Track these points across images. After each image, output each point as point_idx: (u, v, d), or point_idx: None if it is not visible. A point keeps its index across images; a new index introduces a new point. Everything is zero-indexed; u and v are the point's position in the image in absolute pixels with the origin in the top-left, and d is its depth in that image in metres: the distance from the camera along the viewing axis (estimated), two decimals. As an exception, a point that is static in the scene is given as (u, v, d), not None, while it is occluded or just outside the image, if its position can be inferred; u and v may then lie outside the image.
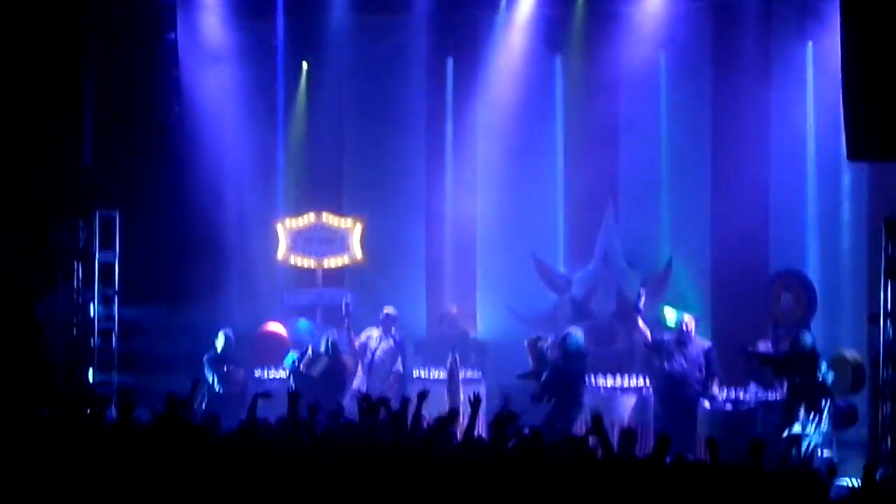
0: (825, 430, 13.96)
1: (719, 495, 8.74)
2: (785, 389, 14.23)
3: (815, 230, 16.55)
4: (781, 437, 13.88)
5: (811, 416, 13.87)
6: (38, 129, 15.96)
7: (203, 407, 14.41)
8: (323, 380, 15.56)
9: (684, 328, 15.05)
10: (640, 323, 15.21)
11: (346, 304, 16.31)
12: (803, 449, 13.77)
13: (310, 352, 15.87)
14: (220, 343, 16.11)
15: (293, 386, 14.97)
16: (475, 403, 10.90)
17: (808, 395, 13.92)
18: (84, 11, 16.00)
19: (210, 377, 15.86)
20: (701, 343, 15.08)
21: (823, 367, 14.05)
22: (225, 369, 15.99)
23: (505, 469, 9.35)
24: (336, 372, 15.80)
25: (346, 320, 16.15)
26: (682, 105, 17.26)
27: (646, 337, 15.24)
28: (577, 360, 14.94)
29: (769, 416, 14.72)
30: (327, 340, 15.91)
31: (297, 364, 15.87)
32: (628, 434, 11.60)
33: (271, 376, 16.40)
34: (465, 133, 18.03)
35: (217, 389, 15.84)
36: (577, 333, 15.14)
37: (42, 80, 15.98)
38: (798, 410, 13.88)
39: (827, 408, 13.95)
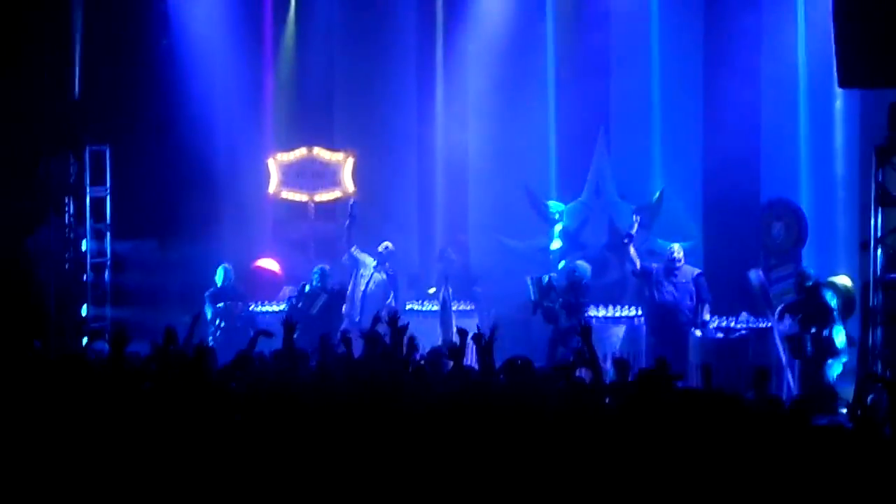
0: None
1: (710, 421, 8.76)
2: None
3: (806, 158, 16.52)
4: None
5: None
6: (27, 65, 15.90)
7: (206, 340, 14.31)
8: (321, 316, 15.56)
9: (673, 256, 15.07)
10: (631, 250, 15.20)
11: (352, 206, 16.28)
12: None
13: (307, 289, 15.84)
14: (219, 278, 16.10)
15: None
16: (461, 335, 11.08)
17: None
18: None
19: (210, 312, 15.83)
20: (690, 271, 15.10)
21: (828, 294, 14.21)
22: (223, 304, 15.95)
23: (494, 397, 9.41)
24: (334, 307, 15.78)
25: (349, 221, 16.08)
26: (672, 35, 17.18)
27: (635, 265, 15.25)
28: (584, 290, 15.02)
29: (760, 344, 14.81)
30: (320, 273, 15.88)
31: (293, 301, 15.85)
32: (621, 363, 11.67)
33: (270, 310, 16.43)
34: (455, 65, 17.97)
35: (218, 324, 15.81)
36: (586, 266, 15.26)
37: (31, 14, 15.89)
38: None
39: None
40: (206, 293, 16.01)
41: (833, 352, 14.06)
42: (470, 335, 10.75)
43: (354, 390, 9.43)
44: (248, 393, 9.66)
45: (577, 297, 15.03)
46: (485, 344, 10.48)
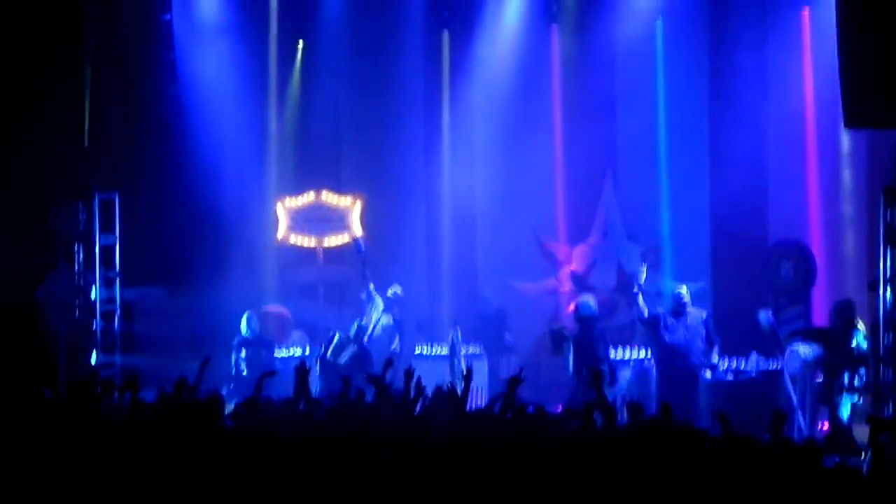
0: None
1: (725, 466, 8.72)
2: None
3: (814, 198, 16.51)
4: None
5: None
6: (37, 113, 16.00)
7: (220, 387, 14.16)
8: (349, 367, 15.35)
9: (682, 298, 15.03)
10: (640, 300, 15.13)
11: (359, 244, 16.30)
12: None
13: (336, 338, 15.69)
14: (244, 326, 15.99)
15: (317, 370, 14.91)
16: (467, 377, 11.11)
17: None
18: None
19: (234, 359, 15.77)
20: (698, 313, 15.06)
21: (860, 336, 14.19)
22: (244, 353, 15.89)
23: (503, 441, 9.41)
24: (363, 359, 15.61)
25: (362, 257, 16.10)
26: (679, 75, 17.23)
27: (642, 313, 15.17)
28: (592, 324, 14.97)
29: (771, 386, 14.76)
30: (357, 328, 15.73)
31: (324, 350, 15.68)
32: (634, 407, 11.64)
33: (286, 355, 16.35)
34: (462, 108, 18.02)
35: (242, 372, 15.70)
36: (589, 300, 15.19)
37: (42, 64, 16.01)
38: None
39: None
40: (234, 341, 15.90)
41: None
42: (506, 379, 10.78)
43: (362, 435, 9.44)
44: (256, 437, 9.68)
45: (585, 334, 14.95)
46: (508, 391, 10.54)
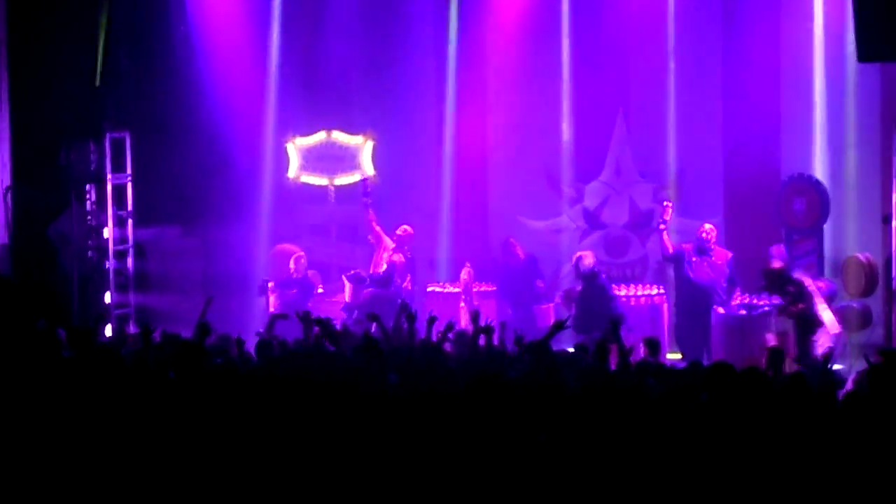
0: None
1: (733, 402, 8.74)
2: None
3: (826, 134, 16.43)
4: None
5: None
6: (49, 54, 16.00)
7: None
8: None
9: (705, 236, 15.05)
10: (665, 236, 15.15)
11: (365, 183, 16.37)
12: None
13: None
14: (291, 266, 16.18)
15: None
16: (475, 317, 11.28)
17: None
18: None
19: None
20: (723, 252, 15.09)
21: None
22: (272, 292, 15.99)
23: (518, 378, 9.46)
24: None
25: (367, 199, 16.19)
26: (690, 13, 17.10)
27: (666, 249, 15.20)
28: (592, 280, 14.98)
29: (783, 321, 14.80)
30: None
31: None
32: (652, 342, 11.68)
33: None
34: (473, 48, 17.88)
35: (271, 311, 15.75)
36: (586, 257, 15.16)
37: (54, 4, 15.97)
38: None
39: None
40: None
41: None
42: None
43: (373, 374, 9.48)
44: (266, 375, 9.73)
45: (588, 289, 14.95)
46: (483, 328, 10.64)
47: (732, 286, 14.96)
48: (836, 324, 13.91)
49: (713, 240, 15.10)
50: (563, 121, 17.76)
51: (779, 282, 14.03)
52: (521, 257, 16.15)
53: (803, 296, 13.78)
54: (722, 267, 14.96)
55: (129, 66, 16.69)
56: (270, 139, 18.05)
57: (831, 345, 12.77)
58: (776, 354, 11.02)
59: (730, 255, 15.11)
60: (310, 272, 17.01)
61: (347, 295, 15.96)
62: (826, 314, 13.79)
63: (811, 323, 13.69)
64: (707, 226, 15.26)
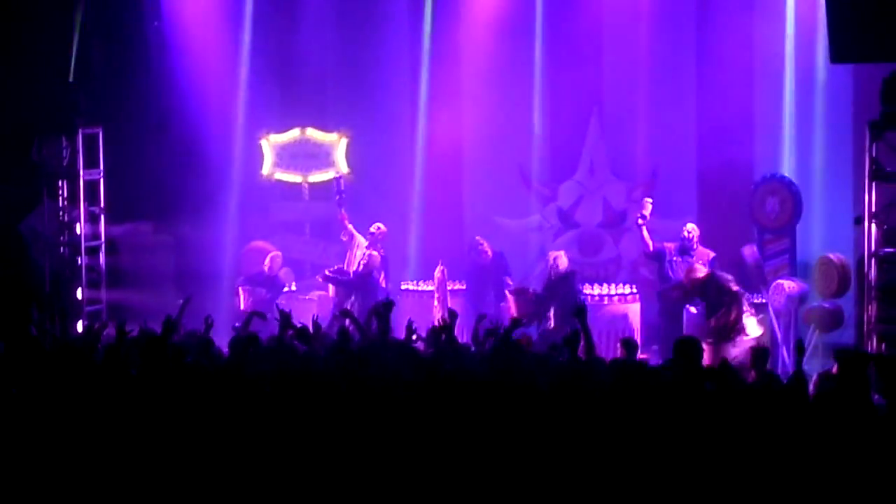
0: None
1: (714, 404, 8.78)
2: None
3: (798, 134, 16.48)
4: None
5: None
6: (22, 47, 15.89)
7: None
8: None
9: (687, 235, 15.09)
10: (644, 232, 15.18)
11: (337, 181, 16.39)
12: None
13: None
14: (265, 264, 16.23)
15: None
16: (451, 316, 11.31)
17: None
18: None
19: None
20: (705, 253, 15.11)
21: None
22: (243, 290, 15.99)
23: (485, 376, 9.47)
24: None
25: (339, 197, 16.21)
26: (664, 12, 17.12)
27: (647, 246, 15.23)
28: (570, 278, 15.02)
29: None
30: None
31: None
32: (629, 343, 11.67)
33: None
34: (447, 44, 17.88)
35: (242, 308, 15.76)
36: (560, 258, 15.19)
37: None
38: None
39: None
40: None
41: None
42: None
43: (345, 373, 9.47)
44: (236, 372, 9.71)
45: (564, 287, 15.01)
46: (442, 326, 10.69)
47: None
48: (759, 327, 13.97)
49: (696, 239, 15.13)
50: (536, 120, 17.78)
51: (705, 290, 14.03)
52: (489, 254, 16.14)
53: (735, 304, 13.81)
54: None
55: (102, 61, 16.59)
56: (243, 136, 18.01)
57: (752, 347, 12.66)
58: (760, 353, 11.02)
59: (712, 255, 15.11)
60: (283, 270, 17.01)
61: (331, 292, 15.96)
62: (749, 321, 13.85)
63: (730, 330, 13.69)
64: (689, 226, 15.29)
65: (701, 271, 14.11)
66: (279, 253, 16.52)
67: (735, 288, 13.87)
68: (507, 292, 15.54)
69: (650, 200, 15.51)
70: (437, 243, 17.24)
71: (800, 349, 10.13)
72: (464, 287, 16.26)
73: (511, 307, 15.03)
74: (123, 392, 9.02)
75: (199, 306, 14.84)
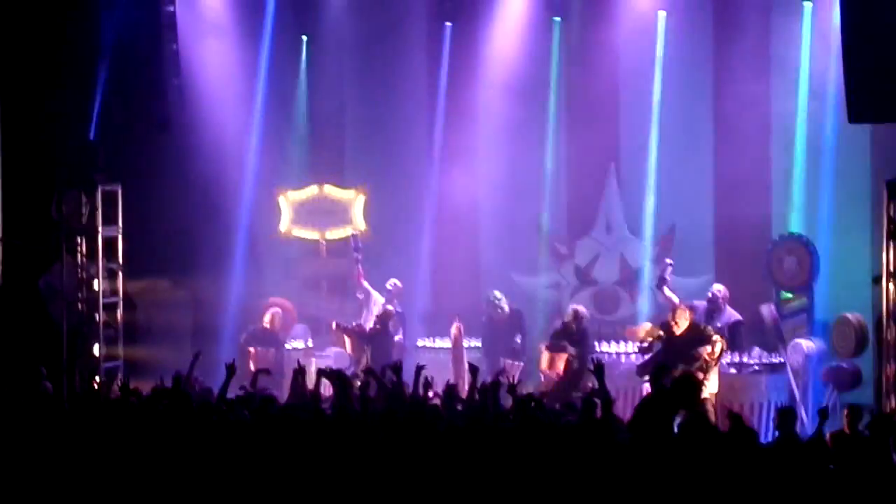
0: None
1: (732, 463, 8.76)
2: None
3: (816, 192, 16.44)
4: None
5: None
6: (47, 105, 16.04)
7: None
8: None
9: (716, 297, 15.00)
10: (666, 291, 15.08)
11: (354, 238, 16.40)
12: None
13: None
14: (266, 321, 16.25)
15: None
16: (473, 371, 11.31)
17: None
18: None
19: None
20: (730, 314, 15.01)
21: None
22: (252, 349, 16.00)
23: (503, 432, 9.48)
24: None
25: (356, 255, 16.23)
26: (681, 69, 17.13)
27: (674, 303, 15.10)
28: (587, 330, 15.06)
29: (772, 380, 14.78)
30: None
31: None
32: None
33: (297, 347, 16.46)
34: (465, 101, 17.96)
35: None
36: (582, 310, 15.24)
37: (53, 56, 16.03)
38: None
39: None
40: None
41: None
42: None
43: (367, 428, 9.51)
44: (253, 427, 9.75)
45: (584, 339, 15.01)
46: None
47: (735, 350, 14.85)
48: (716, 385, 13.96)
49: (723, 300, 15.01)
50: (555, 176, 17.80)
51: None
52: (506, 311, 16.10)
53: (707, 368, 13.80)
54: (722, 330, 14.85)
55: (122, 117, 16.68)
56: (261, 192, 18.07)
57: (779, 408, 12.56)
58: (786, 414, 10.95)
59: (737, 317, 14.98)
60: (299, 326, 17.03)
61: (349, 348, 15.91)
62: (712, 376, 13.83)
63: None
64: (717, 286, 15.20)
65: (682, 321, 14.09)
66: (279, 309, 16.51)
67: (706, 357, 13.83)
68: (339, 328, 15.75)
69: (671, 262, 15.45)
70: (453, 300, 17.19)
71: (823, 415, 10.09)
72: (479, 344, 16.22)
73: (348, 346, 15.23)
74: (140, 448, 9.06)
75: (215, 362, 14.89)
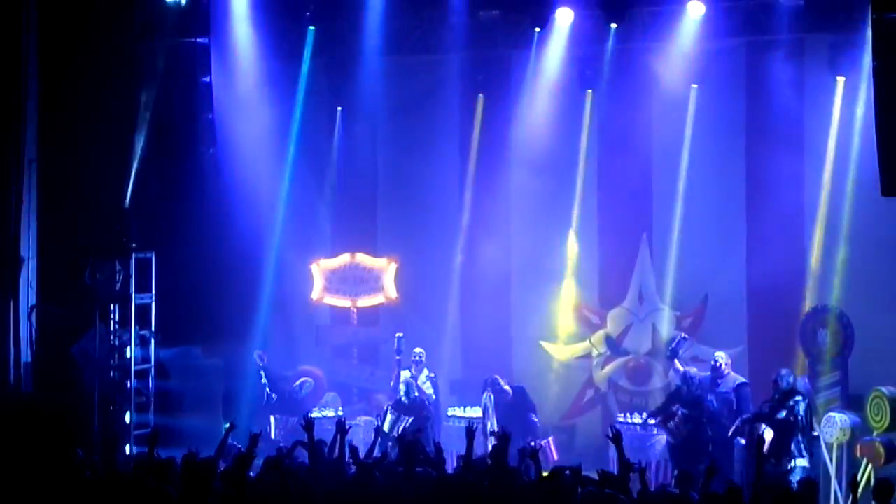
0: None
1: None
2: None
3: (849, 265, 16.37)
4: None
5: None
6: (83, 173, 16.20)
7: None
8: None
9: (718, 365, 14.96)
10: (676, 363, 15.08)
11: (399, 340, 16.42)
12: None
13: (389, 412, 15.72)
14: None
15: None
16: (503, 439, 11.36)
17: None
18: (141, 62, 16.27)
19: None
20: (734, 379, 14.96)
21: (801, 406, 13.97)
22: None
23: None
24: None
25: (398, 357, 16.30)
26: (714, 141, 17.18)
27: (677, 372, 15.07)
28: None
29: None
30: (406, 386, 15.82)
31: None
32: (685, 476, 11.50)
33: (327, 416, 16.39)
34: (496, 170, 18.04)
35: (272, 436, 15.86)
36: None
37: (93, 124, 16.22)
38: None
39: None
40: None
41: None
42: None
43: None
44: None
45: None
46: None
47: (738, 415, 14.72)
48: None
49: (723, 367, 14.95)
50: (588, 246, 17.80)
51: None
52: (510, 392, 16.02)
53: None
54: (728, 395, 14.78)
55: (157, 186, 16.82)
56: (294, 260, 18.16)
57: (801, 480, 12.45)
58: (809, 486, 10.85)
59: (739, 381, 14.89)
60: (330, 394, 17.05)
61: (387, 426, 15.65)
62: None
63: None
64: (720, 354, 15.14)
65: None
66: (309, 378, 16.57)
67: None
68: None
69: (685, 336, 15.46)
70: (484, 369, 17.16)
71: (854, 486, 10.00)
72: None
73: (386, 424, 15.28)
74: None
75: (246, 430, 14.89)
